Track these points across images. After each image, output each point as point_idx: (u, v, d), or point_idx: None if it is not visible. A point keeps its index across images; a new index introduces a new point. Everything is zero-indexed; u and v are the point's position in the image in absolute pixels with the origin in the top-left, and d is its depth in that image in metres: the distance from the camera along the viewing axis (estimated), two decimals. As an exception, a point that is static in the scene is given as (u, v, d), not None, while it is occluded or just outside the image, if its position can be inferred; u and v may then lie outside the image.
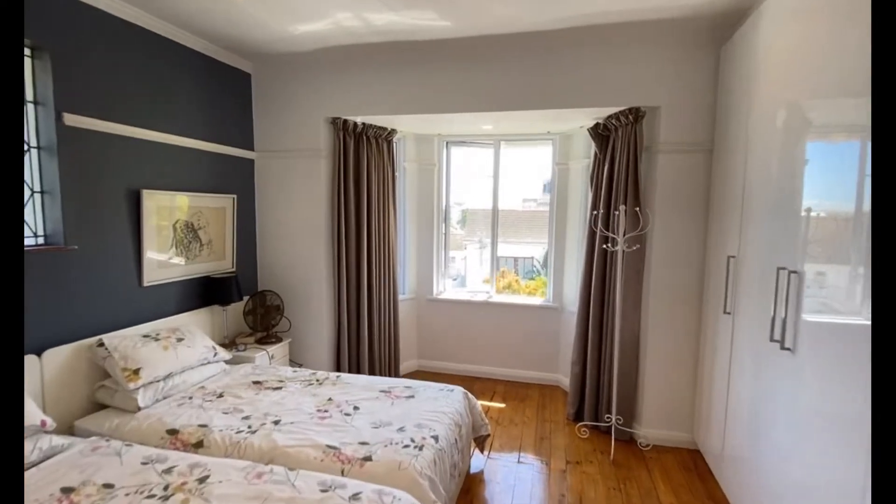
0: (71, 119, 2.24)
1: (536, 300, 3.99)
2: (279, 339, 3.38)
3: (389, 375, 3.79)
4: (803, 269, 1.64)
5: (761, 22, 2.10)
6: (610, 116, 2.99)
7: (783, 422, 1.75)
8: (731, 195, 2.40)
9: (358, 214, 3.55)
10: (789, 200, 1.77)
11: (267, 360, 3.19)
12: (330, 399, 2.45)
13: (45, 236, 2.28)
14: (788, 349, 1.71)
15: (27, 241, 2.19)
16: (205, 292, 3.13)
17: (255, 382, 2.66)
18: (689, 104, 2.72)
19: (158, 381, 2.40)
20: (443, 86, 3.14)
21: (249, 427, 2.12)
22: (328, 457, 1.89)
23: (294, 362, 3.56)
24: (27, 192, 2.20)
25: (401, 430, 2.12)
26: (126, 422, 2.17)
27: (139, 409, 2.25)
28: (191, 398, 2.42)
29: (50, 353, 2.17)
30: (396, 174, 3.80)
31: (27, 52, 2.16)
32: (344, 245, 3.48)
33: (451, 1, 2.34)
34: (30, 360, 2.08)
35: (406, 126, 3.71)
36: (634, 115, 2.80)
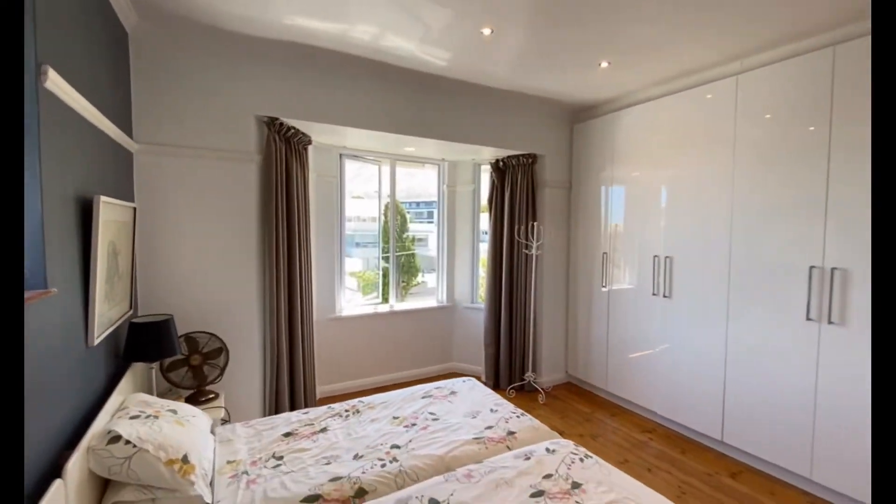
0: (55, 82, 1.36)
1: (432, 302, 4.54)
2: (216, 395, 2.63)
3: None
4: (671, 255, 3.17)
5: (605, 125, 3.67)
6: (510, 156, 4.03)
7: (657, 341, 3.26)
8: (592, 216, 3.91)
9: (289, 230, 3.16)
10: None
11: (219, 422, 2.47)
12: (396, 417, 2.38)
13: None
14: (667, 296, 3.24)
15: None
16: (131, 345, 2.14)
17: (287, 434, 2.19)
18: (558, 156, 4.11)
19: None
20: (387, 107, 3.32)
21: (381, 460, 1.92)
22: (491, 444, 2.07)
23: (225, 420, 2.78)
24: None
25: (493, 411, 2.43)
26: (214, 526, 1.52)
27: (212, 507, 1.59)
28: (246, 473, 1.83)
29: (71, 467, 1.26)
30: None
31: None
32: (276, 267, 3.03)
33: (462, 45, 2.76)
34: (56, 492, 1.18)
35: (315, 135, 3.52)
36: (533, 159, 3.95)
